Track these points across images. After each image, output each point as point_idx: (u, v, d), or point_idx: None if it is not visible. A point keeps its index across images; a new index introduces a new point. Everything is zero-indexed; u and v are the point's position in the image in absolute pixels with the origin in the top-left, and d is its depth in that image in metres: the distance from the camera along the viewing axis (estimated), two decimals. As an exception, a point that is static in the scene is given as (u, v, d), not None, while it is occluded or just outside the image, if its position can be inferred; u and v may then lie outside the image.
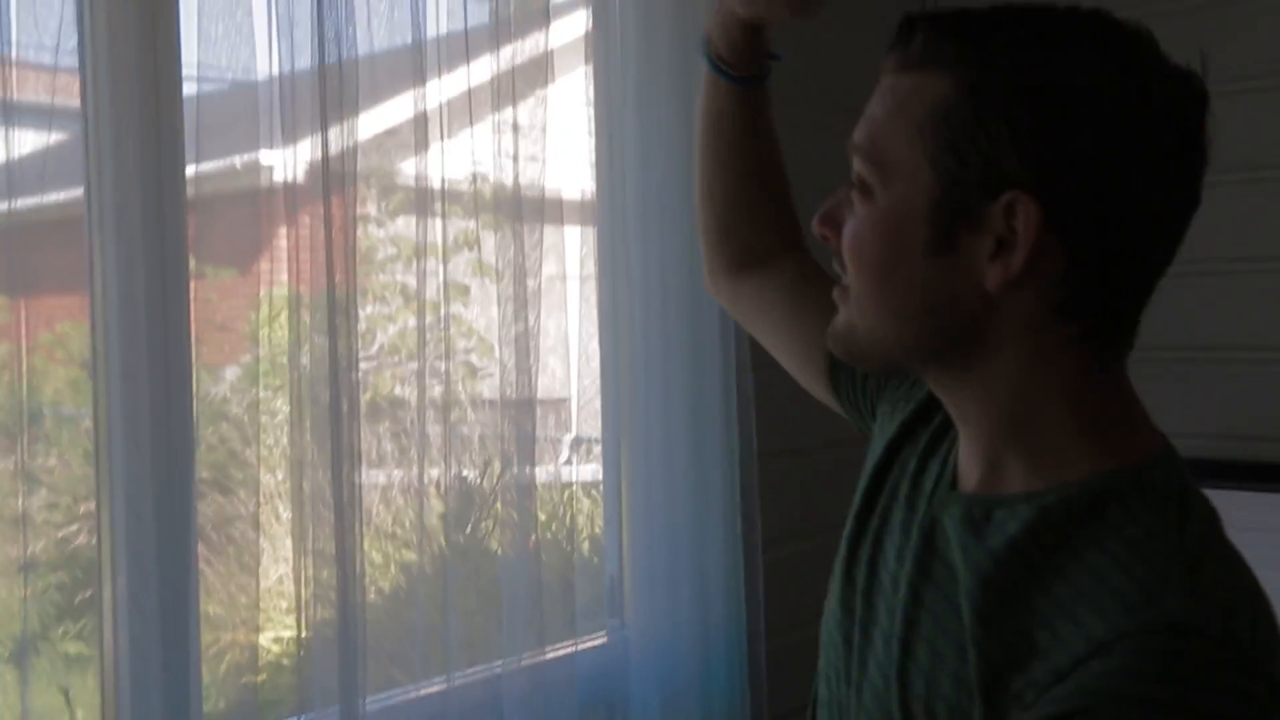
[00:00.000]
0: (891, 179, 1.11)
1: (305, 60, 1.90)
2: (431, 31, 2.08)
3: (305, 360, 1.89)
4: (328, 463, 1.91)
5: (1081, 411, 1.12)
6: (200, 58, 1.84)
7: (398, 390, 2.10)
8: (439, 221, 2.10)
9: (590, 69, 2.36)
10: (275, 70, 1.89)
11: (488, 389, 2.16)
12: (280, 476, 1.91)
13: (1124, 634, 1.01)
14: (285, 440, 1.90)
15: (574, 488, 2.43)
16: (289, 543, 1.89)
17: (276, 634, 1.89)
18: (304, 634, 1.90)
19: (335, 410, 1.93)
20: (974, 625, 1.10)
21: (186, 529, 1.80)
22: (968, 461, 1.19)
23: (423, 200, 2.08)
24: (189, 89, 1.83)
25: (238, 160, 1.89)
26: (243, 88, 1.89)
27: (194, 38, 1.82)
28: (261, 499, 1.91)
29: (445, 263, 2.10)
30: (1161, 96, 1.06)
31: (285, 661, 1.89)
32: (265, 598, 1.90)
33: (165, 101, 1.80)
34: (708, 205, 1.61)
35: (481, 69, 2.12)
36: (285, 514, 1.88)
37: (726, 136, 1.56)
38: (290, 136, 1.88)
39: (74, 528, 1.79)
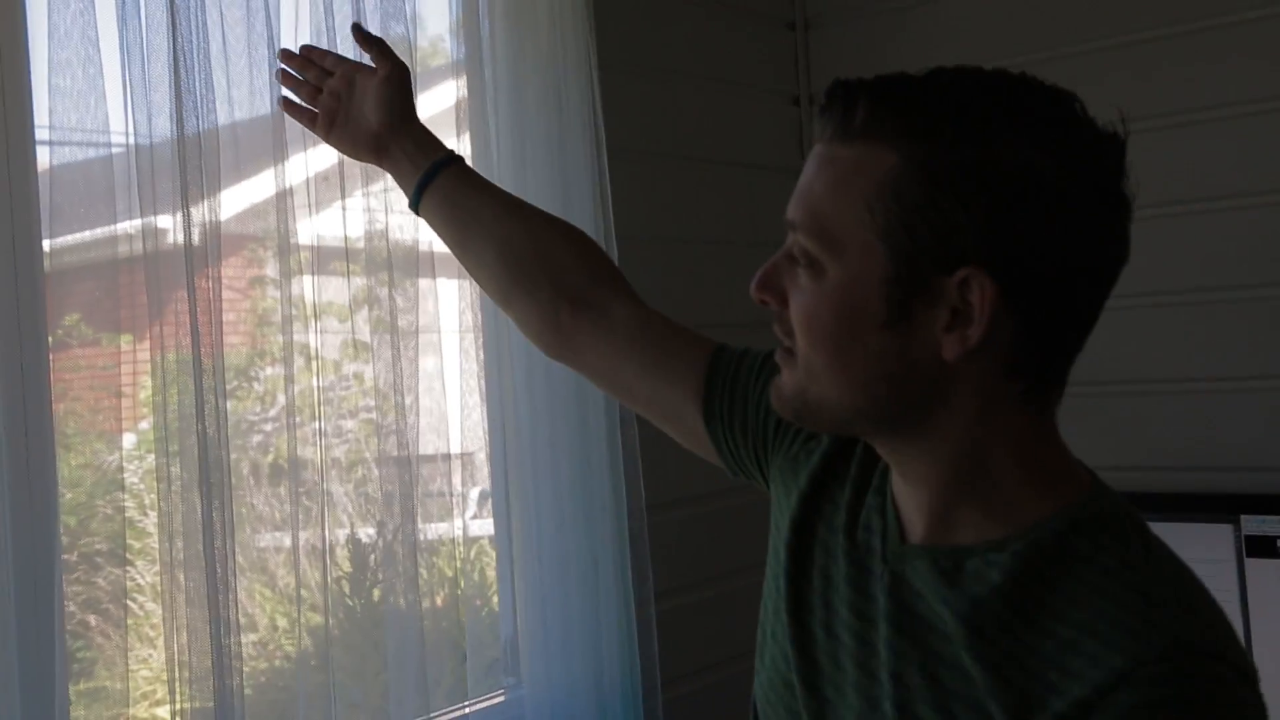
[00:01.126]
0: (841, 254, 1.12)
1: (167, 126, 1.88)
2: None
3: (200, 424, 1.87)
4: (225, 526, 1.89)
5: (1028, 459, 1.17)
6: (53, 120, 1.81)
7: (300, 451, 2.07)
8: (323, 280, 2.11)
9: (466, 135, 2.37)
10: (169, 133, 1.88)
11: (376, 449, 2.15)
12: (176, 545, 1.86)
13: (1140, 660, 1.04)
14: (177, 507, 1.86)
15: (483, 541, 2.44)
16: (191, 611, 1.86)
17: (179, 707, 1.85)
18: (186, 708, 1.86)
19: (229, 473, 1.91)
20: (985, 677, 1.11)
21: (50, 606, 1.75)
22: (913, 514, 1.22)
23: (311, 260, 2.09)
24: (44, 157, 1.81)
25: (122, 228, 1.87)
26: (109, 150, 1.87)
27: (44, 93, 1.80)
28: (155, 569, 1.89)
29: (340, 321, 2.11)
30: (1096, 164, 1.09)
31: None
32: (166, 669, 1.86)
33: (19, 169, 1.77)
34: (492, 270, 1.65)
35: None
36: (187, 582, 1.85)
37: (463, 209, 1.65)
38: (171, 203, 1.87)
39: None
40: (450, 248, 1.69)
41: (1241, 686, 1.07)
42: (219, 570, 1.87)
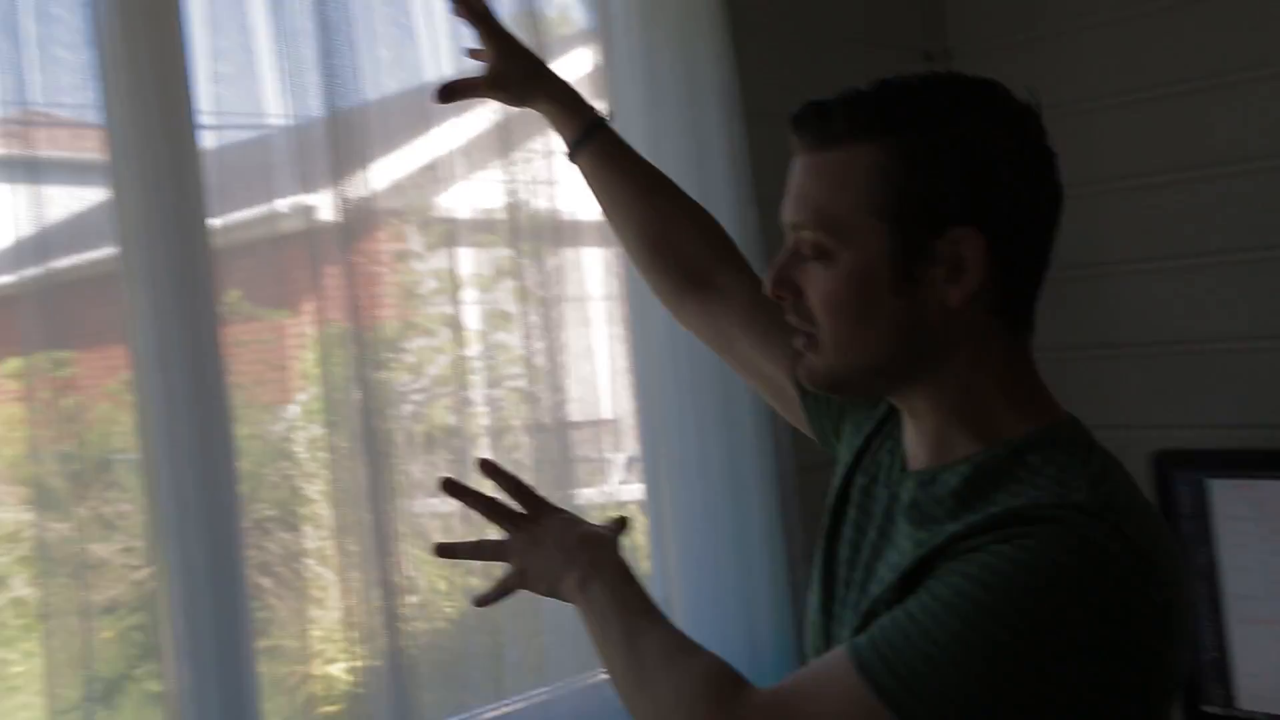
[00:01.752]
0: (849, 239, 1.28)
1: (318, 107, 1.93)
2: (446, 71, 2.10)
3: (359, 395, 1.92)
4: (388, 493, 1.94)
5: (1010, 387, 1.34)
6: (216, 104, 1.88)
7: (451, 420, 2.12)
8: (471, 251, 2.15)
9: (603, 104, 2.34)
10: (320, 112, 1.92)
11: (526, 416, 2.18)
12: (341, 512, 1.93)
13: (1015, 510, 1.21)
14: (341, 476, 1.93)
15: (632, 506, 2.46)
16: (358, 574, 1.92)
17: (351, 664, 1.93)
18: (360, 665, 1.93)
19: (389, 443, 1.96)
20: (910, 528, 1.31)
21: (238, 567, 1.83)
22: (916, 446, 1.37)
23: (457, 233, 2.13)
24: (209, 139, 1.87)
25: (281, 205, 1.92)
26: (263, 133, 1.93)
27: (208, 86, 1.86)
28: (323, 535, 1.95)
29: (485, 291, 2.14)
30: (1029, 127, 1.30)
31: (361, 690, 1.92)
32: (337, 629, 1.94)
33: (185, 151, 1.82)
34: (630, 244, 1.78)
35: (496, 107, 2.12)
36: (352, 547, 1.91)
37: (605, 183, 1.75)
38: (325, 179, 1.92)
39: (148, 570, 1.82)
40: (607, 193, 1.78)
41: (1099, 533, 1.19)
42: (384, 535, 1.93)
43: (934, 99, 1.29)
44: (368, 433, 1.95)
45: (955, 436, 1.35)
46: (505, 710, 2.12)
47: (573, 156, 1.74)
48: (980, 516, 1.24)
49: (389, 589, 1.94)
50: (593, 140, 1.73)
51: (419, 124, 2.09)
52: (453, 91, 1.71)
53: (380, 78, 2.04)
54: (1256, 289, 2.70)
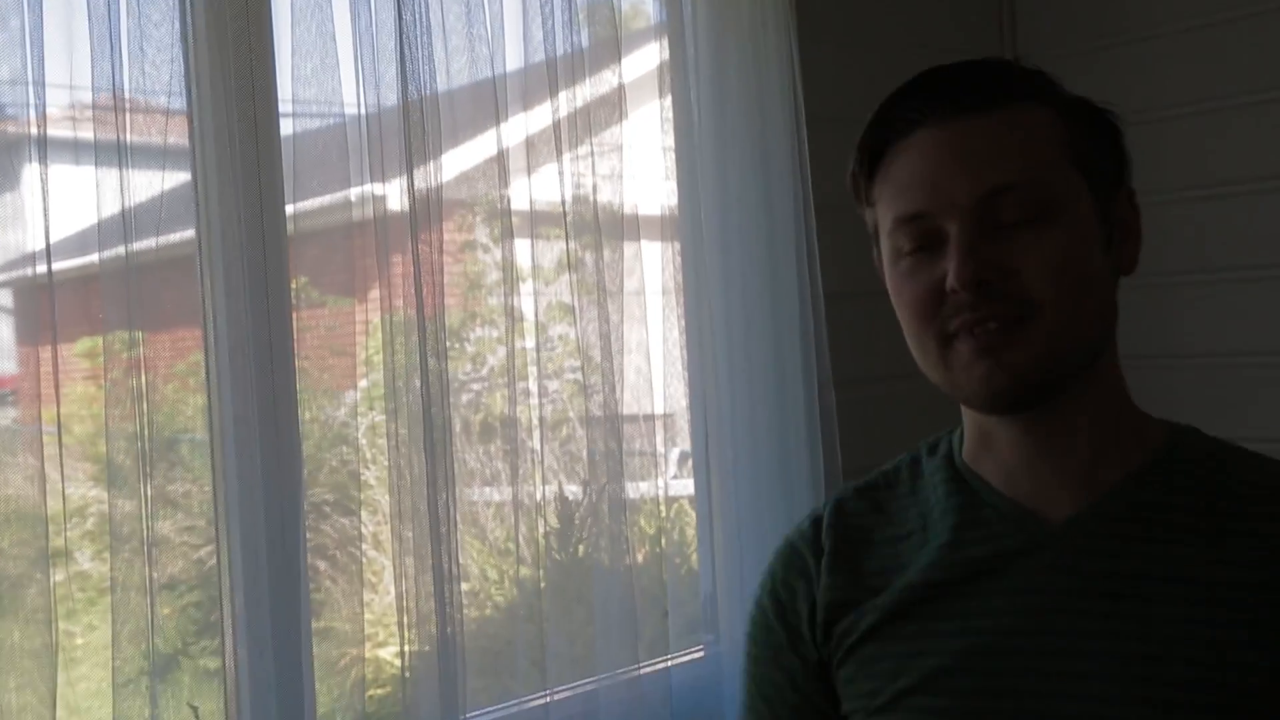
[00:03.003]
0: (1063, 199, 1.19)
1: (392, 97, 1.96)
2: (515, 65, 2.14)
3: (419, 383, 1.94)
4: (444, 482, 1.96)
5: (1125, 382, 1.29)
6: (294, 93, 1.90)
7: (507, 410, 2.13)
8: (534, 243, 2.17)
9: (668, 98, 2.39)
10: (394, 101, 1.95)
11: (581, 409, 2.19)
12: (398, 499, 1.94)
13: None
14: (399, 463, 1.94)
15: (683, 501, 2.47)
16: (411, 560, 1.94)
17: (400, 649, 1.94)
18: (410, 650, 1.95)
19: (447, 432, 1.98)
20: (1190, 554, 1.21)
21: (297, 549, 1.87)
22: (1063, 489, 1.24)
23: (522, 225, 2.13)
24: (286, 126, 1.90)
25: (351, 194, 1.94)
26: (337, 124, 1.95)
27: (288, 76, 1.89)
28: (379, 520, 1.98)
29: (546, 284, 2.17)
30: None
31: (409, 675, 1.94)
32: (389, 614, 1.96)
33: (265, 140, 1.86)
34: None
35: (564, 101, 2.18)
36: (407, 533, 1.93)
37: None
38: (396, 169, 1.95)
39: (209, 549, 1.85)
40: None
41: None
42: (440, 523, 1.95)
43: (1045, 76, 1.25)
44: (426, 421, 1.96)
45: (1113, 448, 1.26)
46: (549, 700, 2.12)
47: None
48: None
49: (441, 576, 1.96)
50: None
51: (488, 116, 2.09)
52: None
53: (451, 70, 2.04)
54: None
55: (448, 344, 2.04)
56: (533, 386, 2.17)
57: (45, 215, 1.67)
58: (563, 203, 2.19)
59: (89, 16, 1.70)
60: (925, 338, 1.22)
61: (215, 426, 1.84)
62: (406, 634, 1.95)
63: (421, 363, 1.96)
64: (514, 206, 2.13)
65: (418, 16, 1.98)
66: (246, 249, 1.84)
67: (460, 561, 2.01)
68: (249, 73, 1.85)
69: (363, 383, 2.03)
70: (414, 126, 1.97)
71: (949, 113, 1.20)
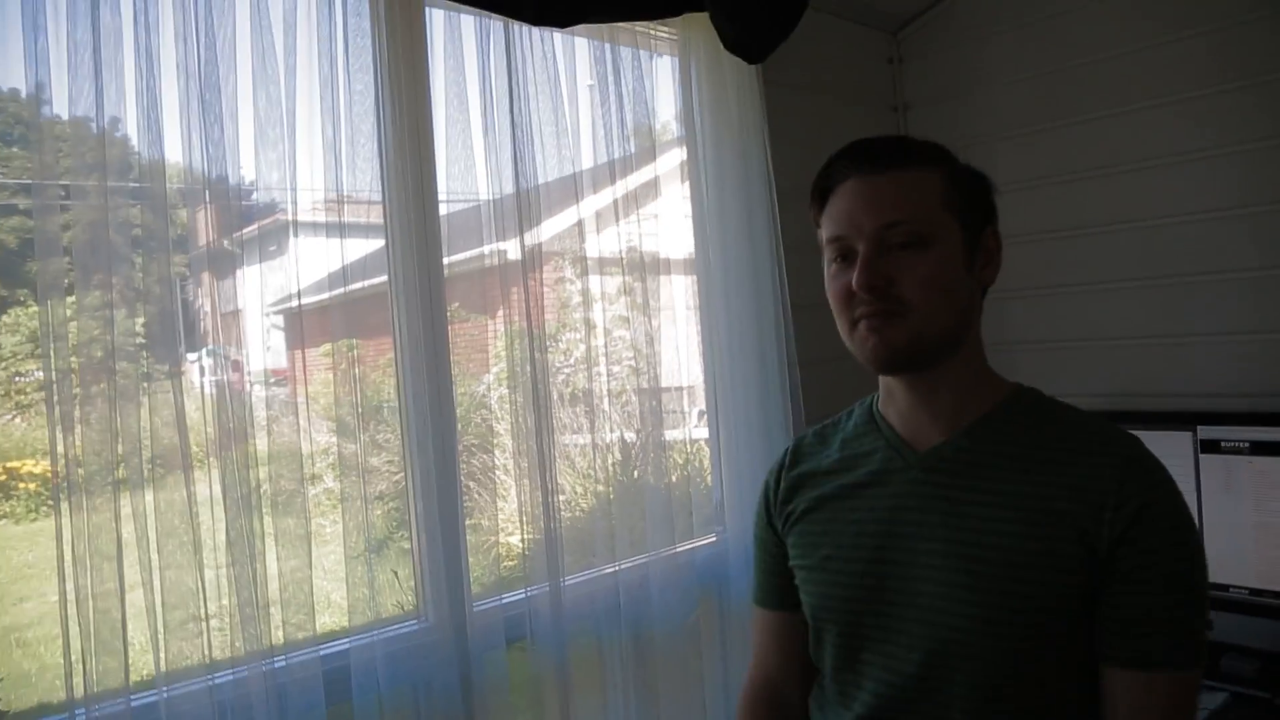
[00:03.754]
0: (937, 232, 1.19)
1: (510, 185, 1.96)
2: (588, 164, 2.16)
3: (529, 368, 1.98)
4: (546, 431, 1.99)
5: (983, 355, 1.28)
6: (449, 187, 1.92)
7: (586, 385, 2.15)
8: (602, 278, 2.18)
9: (687, 183, 2.42)
10: (511, 189, 1.97)
11: (634, 383, 2.19)
12: (518, 442, 1.98)
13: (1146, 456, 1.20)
14: (518, 419, 1.97)
15: (700, 442, 2.45)
16: (526, 482, 1.97)
17: (522, 537, 1.97)
18: (528, 538, 1.98)
19: (548, 399, 2.02)
20: (1002, 478, 1.23)
21: (454, 475, 1.89)
22: (924, 422, 1.26)
23: (594, 266, 2.16)
24: (443, 209, 1.90)
25: (485, 249, 1.99)
26: (476, 202, 1.96)
27: (444, 173, 1.91)
28: (506, 455, 2.00)
29: (610, 304, 2.18)
30: None
31: (528, 553, 1.97)
32: (514, 515, 1.98)
33: (430, 216, 1.89)
34: None
35: (620, 186, 2.21)
36: (523, 464, 1.95)
37: None
38: (514, 232, 1.97)
39: (400, 475, 1.88)
40: None
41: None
42: (543, 457, 1.98)
43: (943, 150, 1.24)
44: (535, 392, 1.98)
45: (969, 402, 1.25)
46: (618, 569, 2.15)
47: None
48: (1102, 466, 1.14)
49: (545, 491, 1.98)
50: None
51: (571, 197, 2.11)
52: None
53: (548, 167, 2.05)
54: (1108, 306, 2.70)
55: (547, 343, 2.04)
56: (602, 369, 2.17)
57: (298, 269, 1.71)
58: (620, 252, 2.22)
59: (321, 140, 1.74)
60: (842, 320, 1.23)
61: (403, 398, 1.87)
62: (524, 528, 1.98)
63: (530, 355, 1.98)
64: (588, 255, 2.14)
65: (524, 130, 2.00)
66: (418, 287, 1.88)
67: (558, 482, 2.02)
68: (419, 173, 1.88)
69: (495, 369, 2.04)
70: (525, 205, 2.00)
71: (868, 170, 1.20)
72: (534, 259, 2.01)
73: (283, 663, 1.62)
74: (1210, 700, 2.10)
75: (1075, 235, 2.73)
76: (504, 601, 1.95)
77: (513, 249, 2.01)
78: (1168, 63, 2.51)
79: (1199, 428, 2.33)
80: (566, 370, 2.17)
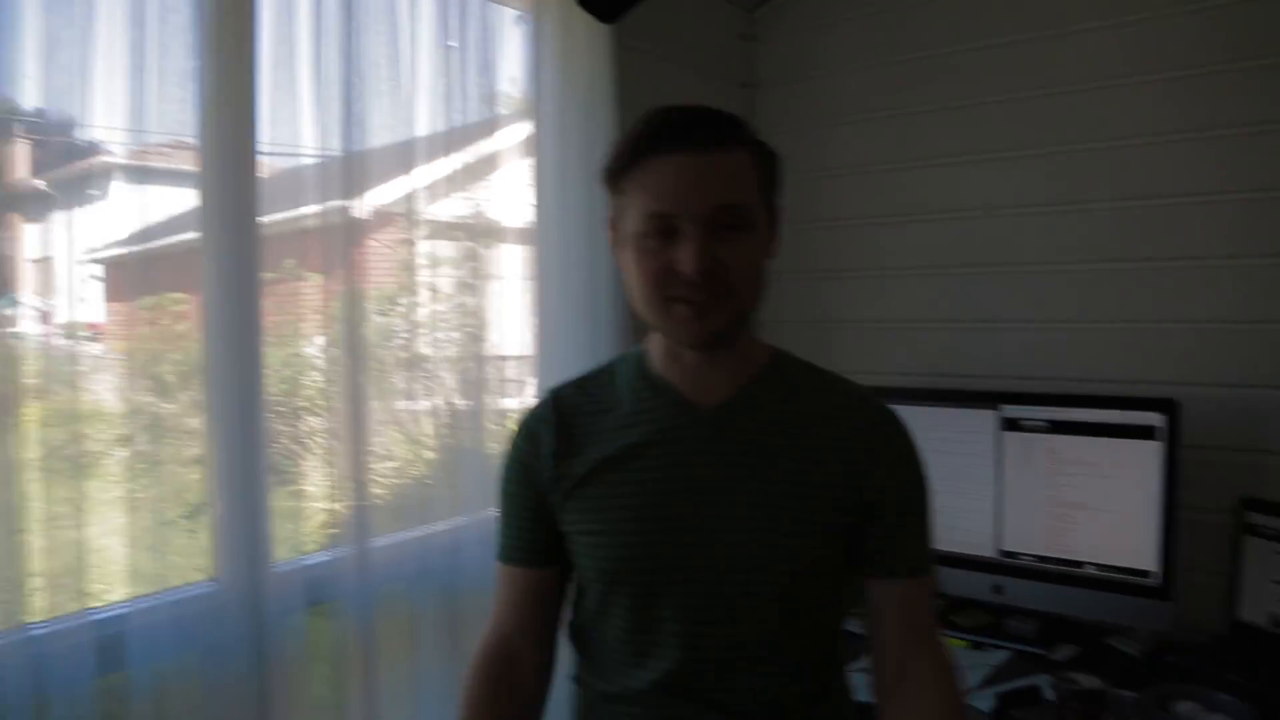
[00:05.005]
0: (757, 215, 1.22)
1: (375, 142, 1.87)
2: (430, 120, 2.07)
3: (365, 331, 1.93)
4: (379, 396, 1.94)
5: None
6: (275, 136, 1.78)
7: (426, 350, 2.10)
8: (435, 244, 2.13)
9: (534, 158, 2.37)
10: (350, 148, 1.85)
11: (469, 350, 2.15)
12: (350, 404, 1.91)
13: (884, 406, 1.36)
14: (351, 382, 1.91)
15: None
16: (349, 444, 1.90)
17: (345, 501, 1.90)
18: (349, 502, 1.92)
19: (366, 364, 1.94)
20: (788, 431, 1.31)
21: (257, 436, 1.76)
22: (708, 383, 1.30)
23: (431, 230, 2.11)
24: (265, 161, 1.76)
25: (328, 205, 1.87)
26: (310, 159, 1.83)
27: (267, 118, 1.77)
28: (338, 419, 1.92)
29: (444, 269, 2.13)
30: None
31: (343, 516, 1.91)
32: (338, 480, 1.91)
33: (246, 167, 1.74)
34: None
35: (472, 147, 2.17)
36: (350, 428, 1.90)
37: None
38: (353, 190, 1.87)
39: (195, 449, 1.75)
40: None
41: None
42: (362, 421, 1.93)
43: (742, 123, 1.24)
44: (371, 356, 1.95)
45: (746, 364, 1.32)
46: (431, 531, 2.12)
47: None
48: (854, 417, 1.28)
49: (358, 454, 1.93)
50: None
51: (414, 156, 2.06)
52: None
53: (382, 123, 1.96)
54: (930, 291, 2.85)
55: (383, 308, 2.00)
56: (439, 335, 2.15)
57: (115, 216, 1.61)
58: (461, 217, 2.19)
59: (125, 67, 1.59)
60: (655, 298, 1.22)
61: (209, 353, 1.74)
62: (347, 491, 1.93)
63: (355, 319, 1.92)
64: (426, 218, 2.10)
65: (356, 83, 1.89)
66: (232, 245, 1.76)
67: (370, 446, 1.97)
68: (238, 120, 1.74)
69: (331, 331, 1.95)
70: (357, 165, 1.90)
71: (694, 146, 1.18)
72: (379, 220, 1.98)
73: (43, 631, 1.50)
74: (994, 658, 2.27)
75: (904, 221, 2.89)
76: (305, 564, 1.89)
77: (356, 208, 1.94)
78: (1001, 62, 2.70)
79: (1002, 406, 2.47)
80: (405, 335, 2.12)
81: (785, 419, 1.30)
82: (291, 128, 1.85)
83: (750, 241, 1.21)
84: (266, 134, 1.80)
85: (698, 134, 1.19)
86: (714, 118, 1.22)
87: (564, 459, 1.34)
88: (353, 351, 1.94)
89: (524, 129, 2.41)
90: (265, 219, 1.80)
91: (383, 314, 2.07)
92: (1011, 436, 2.46)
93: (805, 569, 1.27)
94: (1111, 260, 2.54)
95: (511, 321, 2.37)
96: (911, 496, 1.31)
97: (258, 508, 1.78)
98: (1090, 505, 2.35)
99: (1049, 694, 2.01)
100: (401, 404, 2.11)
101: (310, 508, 1.94)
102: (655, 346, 1.36)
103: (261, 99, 1.77)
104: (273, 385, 1.86)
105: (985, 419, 2.49)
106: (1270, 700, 1.92)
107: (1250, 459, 2.34)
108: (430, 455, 2.13)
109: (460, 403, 2.20)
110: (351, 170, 1.91)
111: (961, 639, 2.42)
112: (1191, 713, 1.84)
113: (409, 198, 2.09)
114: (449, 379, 2.17)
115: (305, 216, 1.89)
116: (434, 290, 2.14)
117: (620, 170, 1.25)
